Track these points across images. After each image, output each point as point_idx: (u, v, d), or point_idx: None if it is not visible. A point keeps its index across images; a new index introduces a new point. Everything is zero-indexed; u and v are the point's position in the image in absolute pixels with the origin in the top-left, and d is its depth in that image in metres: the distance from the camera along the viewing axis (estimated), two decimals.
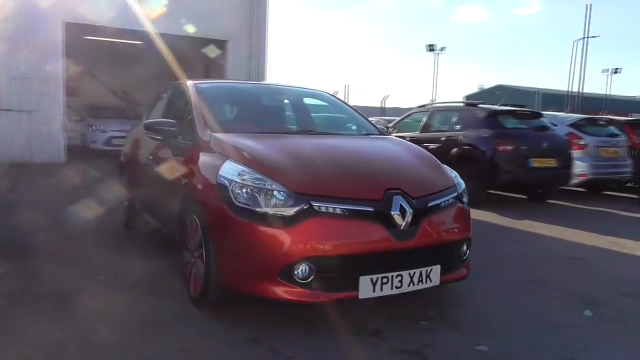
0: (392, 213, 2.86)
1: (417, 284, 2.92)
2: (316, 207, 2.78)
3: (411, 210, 2.92)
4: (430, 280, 2.97)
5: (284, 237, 2.74)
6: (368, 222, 2.82)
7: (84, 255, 4.36)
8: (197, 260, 3.19)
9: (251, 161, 3.07)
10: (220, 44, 13.72)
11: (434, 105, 9.94)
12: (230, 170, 3.03)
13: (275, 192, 2.83)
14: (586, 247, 5.20)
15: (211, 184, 3.07)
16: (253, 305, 3.11)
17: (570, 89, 41.95)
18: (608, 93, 48.86)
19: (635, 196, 8.83)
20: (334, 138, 4.12)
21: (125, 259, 4.25)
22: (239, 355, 2.65)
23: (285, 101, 4.66)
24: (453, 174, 3.55)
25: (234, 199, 2.89)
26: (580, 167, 8.31)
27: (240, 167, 3.01)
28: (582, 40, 40.83)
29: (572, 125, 8.96)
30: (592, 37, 41.44)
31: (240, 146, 3.27)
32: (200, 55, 13.81)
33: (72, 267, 4.02)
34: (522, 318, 3.23)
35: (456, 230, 3.16)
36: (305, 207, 2.78)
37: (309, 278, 2.77)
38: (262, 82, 5.40)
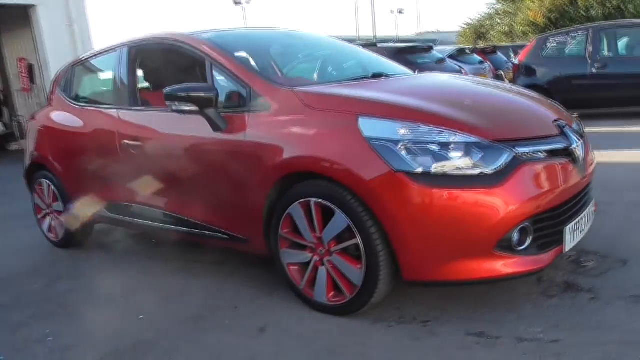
0: (573, 146, 2.45)
1: (587, 225, 2.60)
2: (520, 155, 2.23)
3: (581, 141, 2.56)
4: (590, 219, 2.67)
5: (498, 198, 2.15)
6: (563, 162, 2.37)
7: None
8: (333, 257, 2.40)
9: (402, 111, 2.34)
10: (24, 11, 11.06)
11: None
12: (380, 127, 2.27)
13: (464, 145, 2.19)
14: None
15: (358, 152, 2.26)
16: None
17: (358, 34, 44.88)
18: (398, 34, 53.43)
19: None
20: (426, 77, 3.37)
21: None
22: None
23: (323, 47, 3.77)
24: None
25: (411, 164, 2.17)
26: None
27: (393, 122, 2.26)
28: None
29: (450, 57, 9.41)
30: None
31: (367, 97, 2.49)
32: None
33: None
34: None
35: (591, 160, 2.89)
36: (510, 157, 2.21)
37: (526, 242, 2.25)
38: (273, 28, 4.25)
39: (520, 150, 2.25)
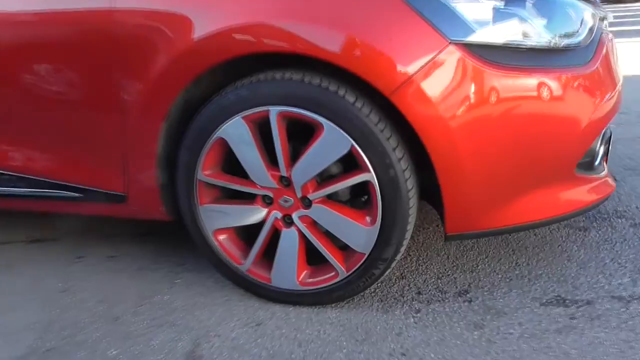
0: None
1: None
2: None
3: None
4: None
5: (591, 85, 1.34)
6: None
7: None
8: (314, 209, 1.36)
9: None
10: None
11: None
12: None
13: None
14: None
15: (379, 14, 1.21)
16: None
17: None
18: None
19: None
20: None
21: None
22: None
23: None
24: None
25: (478, 30, 1.21)
26: None
27: None
28: None
29: None
30: None
31: None
32: None
33: None
34: None
35: None
36: (595, 23, 1.41)
37: (599, 155, 1.51)
38: None
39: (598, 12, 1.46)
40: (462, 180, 1.27)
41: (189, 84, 1.36)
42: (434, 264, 1.65)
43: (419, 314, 1.40)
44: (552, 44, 1.28)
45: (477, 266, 1.62)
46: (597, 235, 1.77)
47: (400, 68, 1.20)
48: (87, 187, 1.57)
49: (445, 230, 1.34)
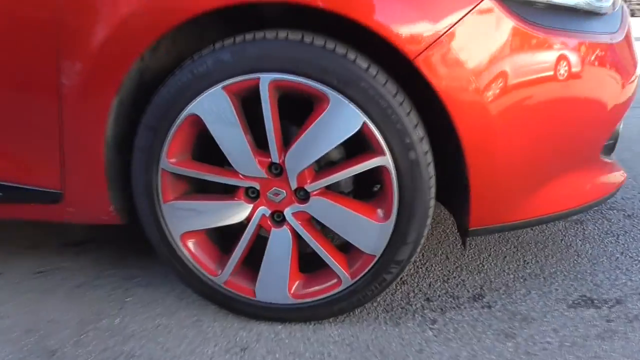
0: None
1: None
2: None
3: None
4: None
5: (623, 56, 1.19)
6: None
7: None
8: (313, 202, 1.10)
9: None
10: None
11: None
12: None
13: None
14: None
15: None
16: None
17: None
18: None
19: None
20: None
21: None
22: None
23: None
24: None
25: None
26: None
27: None
28: None
29: None
30: None
31: None
32: None
33: None
34: None
35: None
36: None
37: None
38: None
39: None
40: (495, 164, 1.06)
41: (145, 50, 1.06)
42: (434, 265, 1.44)
43: (436, 325, 1.18)
44: (590, 5, 1.11)
45: (483, 266, 1.43)
46: (596, 228, 1.64)
47: (426, 25, 0.98)
48: (6, 184, 1.22)
49: (468, 223, 1.13)
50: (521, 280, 1.36)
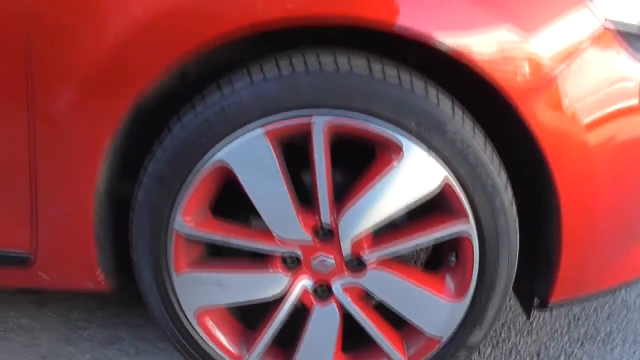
0: None
1: None
2: None
3: None
4: None
5: None
6: None
7: None
8: (370, 275, 0.87)
9: None
10: None
11: None
12: None
13: None
14: None
15: None
16: None
17: None
18: None
19: None
20: None
21: None
22: None
23: None
24: None
25: None
26: None
27: None
28: None
29: None
30: None
31: None
32: None
33: None
34: None
35: None
36: None
37: None
38: None
39: None
40: (596, 224, 0.87)
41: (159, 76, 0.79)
42: None
43: None
44: None
45: (532, 324, 1.25)
46: None
47: (535, 61, 0.77)
48: None
49: (549, 295, 0.93)
50: (578, 344, 1.19)
